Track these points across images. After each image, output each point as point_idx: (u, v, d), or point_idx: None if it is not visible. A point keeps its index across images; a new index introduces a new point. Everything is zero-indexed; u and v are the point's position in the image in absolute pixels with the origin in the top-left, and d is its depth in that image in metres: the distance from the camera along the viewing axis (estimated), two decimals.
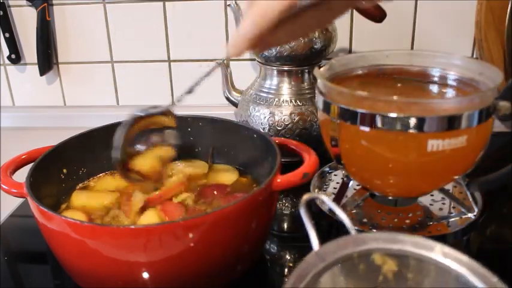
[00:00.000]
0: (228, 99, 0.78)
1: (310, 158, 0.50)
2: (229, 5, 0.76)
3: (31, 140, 0.64)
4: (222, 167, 0.61)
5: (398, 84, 0.57)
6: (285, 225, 0.62)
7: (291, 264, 0.53)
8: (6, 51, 0.91)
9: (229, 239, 0.45)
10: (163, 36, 0.88)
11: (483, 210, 0.57)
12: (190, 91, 0.46)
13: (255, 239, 0.49)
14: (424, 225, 0.55)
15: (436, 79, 0.57)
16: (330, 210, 0.58)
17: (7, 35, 0.89)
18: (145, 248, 0.41)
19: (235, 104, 0.78)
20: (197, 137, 0.62)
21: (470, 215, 0.56)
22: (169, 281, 0.43)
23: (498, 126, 0.79)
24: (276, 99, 0.71)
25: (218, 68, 0.60)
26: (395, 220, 0.56)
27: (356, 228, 0.43)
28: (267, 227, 0.51)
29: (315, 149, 0.52)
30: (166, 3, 0.86)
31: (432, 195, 0.60)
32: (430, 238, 0.34)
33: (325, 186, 0.65)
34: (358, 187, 0.62)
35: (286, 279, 0.51)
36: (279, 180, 0.47)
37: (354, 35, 0.85)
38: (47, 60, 0.90)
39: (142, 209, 0.52)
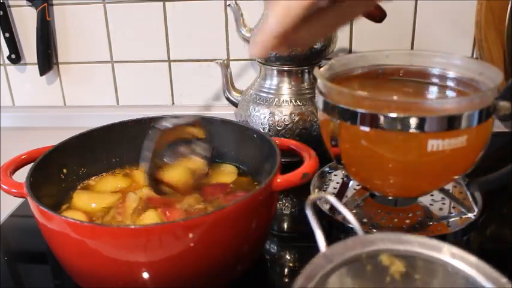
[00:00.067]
0: (228, 99, 0.78)
1: (310, 158, 0.50)
2: (229, 5, 0.76)
3: (31, 140, 0.64)
4: (222, 167, 0.61)
5: (399, 84, 0.57)
6: (285, 225, 0.62)
7: (291, 264, 0.53)
8: (6, 51, 0.91)
9: (229, 239, 0.45)
10: (163, 36, 0.88)
11: (483, 210, 0.57)
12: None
13: (255, 239, 0.49)
14: (424, 225, 0.55)
15: (436, 79, 0.57)
16: (331, 210, 0.58)
17: (7, 35, 0.89)
18: (146, 248, 0.41)
19: (235, 104, 0.78)
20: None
21: (470, 215, 0.56)
22: (169, 281, 0.43)
23: (498, 126, 0.79)
24: (276, 99, 0.71)
25: None
26: (395, 220, 0.56)
27: None
28: (267, 227, 0.51)
29: (315, 149, 0.52)
30: (166, 3, 0.86)
31: (432, 195, 0.60)
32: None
33: (325, 186, 0.65)
34: (358, 187, 0.62)
35: (286, 280, 0.51)
36: (279, 180, 0.47)
37: (354, 35, 0.85)
38: (47, 60, 0.90)
39: (143, 210, 0.52)
